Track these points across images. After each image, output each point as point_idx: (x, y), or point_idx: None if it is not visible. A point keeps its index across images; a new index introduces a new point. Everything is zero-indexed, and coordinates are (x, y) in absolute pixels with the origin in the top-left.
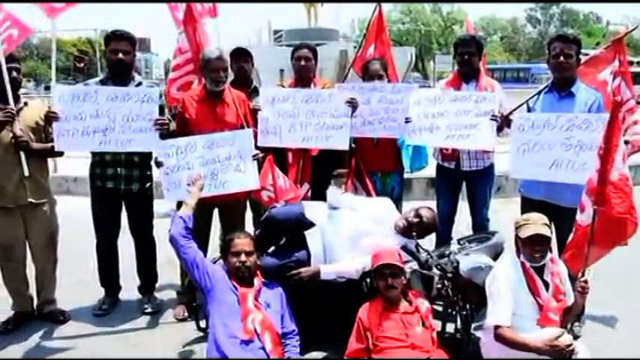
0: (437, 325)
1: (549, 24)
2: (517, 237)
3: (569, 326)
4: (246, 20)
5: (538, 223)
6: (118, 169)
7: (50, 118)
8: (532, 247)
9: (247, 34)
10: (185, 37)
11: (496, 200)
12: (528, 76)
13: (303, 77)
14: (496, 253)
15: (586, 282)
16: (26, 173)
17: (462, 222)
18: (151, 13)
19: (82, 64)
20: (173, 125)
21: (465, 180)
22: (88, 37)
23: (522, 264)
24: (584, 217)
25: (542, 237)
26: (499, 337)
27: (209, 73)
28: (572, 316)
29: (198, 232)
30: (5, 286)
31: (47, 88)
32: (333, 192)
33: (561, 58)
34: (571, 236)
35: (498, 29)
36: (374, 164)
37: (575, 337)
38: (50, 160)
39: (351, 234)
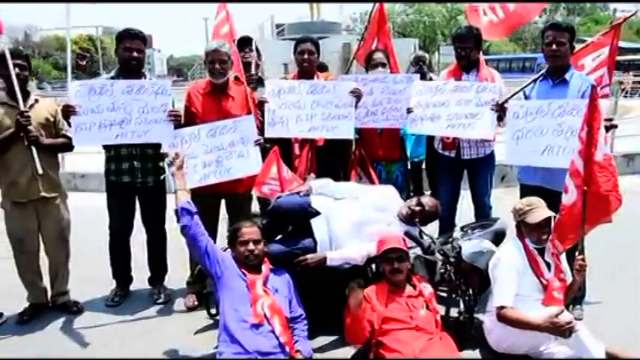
0: (441, 310)
1: (555, 12)
2: (522, 222)
3: (570, 308)
4: (248, 14)
5: (543, 207)
6: (134, 162)
7: (68, 112)
8: (541, 231)
9: (250, 28)
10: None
11: (501, 189)
12: (534, 66)
13: (307, 70)
14: (498, 239)
15: (583, 260)
16: (40, 171)
17: (465, 210)
18: (153, 9)
19: (84, 62)
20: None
21: (466, 168)
22: (90, 34)
23: (525, 247)
24: (567, 198)
25: (549, 219)
26: (502, 317)
27: (207, 65)
28: (572, 292)
29: (206, 223)
30: (20, 279)
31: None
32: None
33: (554, 46)
34: (557, 217)
35: None
36: (378, 153)
37: (577, 320)
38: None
39: (356, 222)
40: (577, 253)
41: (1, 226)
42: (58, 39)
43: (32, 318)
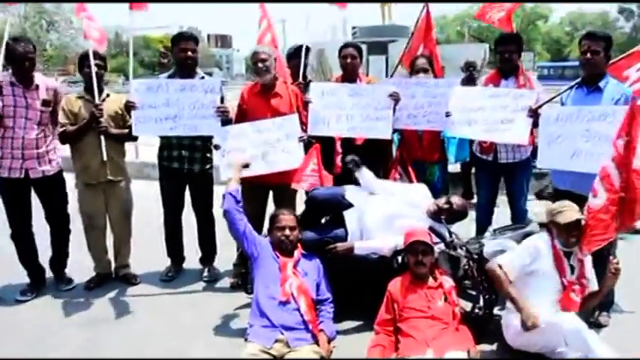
0: (467, 305)
1: None
2: (553, 222)
3: (596, 314)
4: (320, 16)
5: (575, 210)
6: (182, 151)
7: (129, 107)
8: (570, 233)
9: (322, 30)
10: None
11: None
12: None
13: (350, 73)
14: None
15: (618, 263)
16: (105, 158)
17: (502, 213)
18: (232, 11)
19: (166, 60)
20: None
21: (503, 172)
22: (174, 34)
23: (553, 247)
24: (596, 202)
25: (579, 222)
26: (490, 271)
27: (252, 68)
28: (600, 296)
29: (255, 212)
30: (89, 251)
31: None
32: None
33: (588, 55)
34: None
35: (587, 24)
36: (419, 155)
37: (601, 327)
38: (133, 148)
39: (387, 215)
40: (611, 257)
41: (74, 210)
42: (144, 38)
43: (97, 285)
